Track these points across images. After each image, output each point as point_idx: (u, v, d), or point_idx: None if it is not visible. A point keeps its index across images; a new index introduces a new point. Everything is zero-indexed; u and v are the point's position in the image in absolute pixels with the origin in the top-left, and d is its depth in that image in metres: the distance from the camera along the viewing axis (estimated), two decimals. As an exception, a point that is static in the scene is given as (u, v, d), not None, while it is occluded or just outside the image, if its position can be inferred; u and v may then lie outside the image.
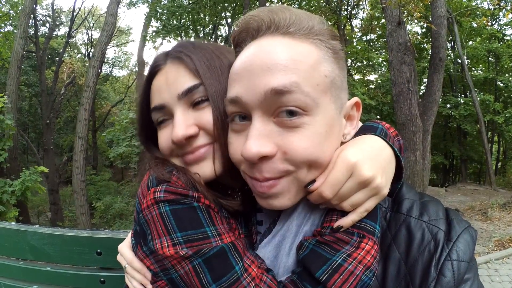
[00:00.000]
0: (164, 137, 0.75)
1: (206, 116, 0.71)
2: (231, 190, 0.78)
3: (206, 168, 0.71)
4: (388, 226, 0.67)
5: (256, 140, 0.59)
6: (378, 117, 17.13)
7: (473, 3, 14.74)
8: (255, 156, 0.58)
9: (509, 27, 17.41)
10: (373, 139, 0.65)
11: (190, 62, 0.73)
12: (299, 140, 0.58)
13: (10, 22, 14.64)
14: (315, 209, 0.67)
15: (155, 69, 0.77)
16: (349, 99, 0.69)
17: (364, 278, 0.59)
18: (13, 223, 1.54)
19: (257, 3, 15.41)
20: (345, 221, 0.62)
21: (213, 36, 20.70)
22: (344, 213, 0.63)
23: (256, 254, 0.70)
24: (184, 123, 0.71)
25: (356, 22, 19.86)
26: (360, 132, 0.69)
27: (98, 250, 1.40)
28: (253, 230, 0.77)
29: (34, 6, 12.32)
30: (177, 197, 0.66)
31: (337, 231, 0.61)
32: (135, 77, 22.79)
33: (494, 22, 17.39)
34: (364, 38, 19.75)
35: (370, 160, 0.61)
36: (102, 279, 1.42)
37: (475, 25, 16.16)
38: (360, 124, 0.73)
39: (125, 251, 0.81)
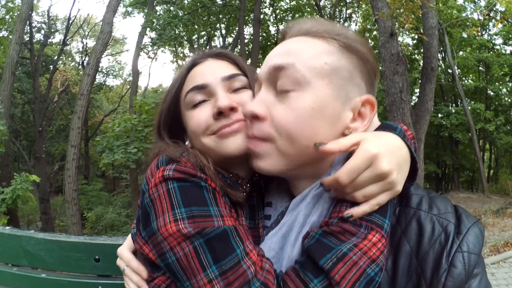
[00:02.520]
0: (204, 114, 0.78)
1: (245, 97, 0.79)
2: (240, 180, 0.80)
3: (240, 141, 0.75)
4: (397, 221, 0.67)
5: (255, 103, 0.70)
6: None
7: (463, 14, 15.06)
8: (248, 113, 0.70)
9: (498, 37, 17.78)
10: (393, 137, 0.66)
11: (232, 57, 0.85)
12: (283, 110, 0.67)
13: (6, 27, 14.55)
14: (323, 200, 0.67)
15: (196, 61, 0.84)
16: None
17: (369, 271, 0.59)
18: (8, 227, 1.50)
19: (251, 15, 15.66)
20: (356, 211, 0.62)
21: (207, 47, 20.84)
22: (354, 205, 0.63)
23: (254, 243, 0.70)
24: (228, 97, 0.78)
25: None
26: (380, 129, 0.70)
27: (96, 257, 1.36)
28: (259, 224, 0.79)
29: (30, 12, 12.31)
30: (185, 176, 0.68)
31: (347, 220, 0.62)
32: (128, 86, 22.69)
33: (484, 32, 17.76)
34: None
35: (390, 155, 0.62)
36: (100, 287, 1.37)
37: (465, 35, 16.49)
38: (377, 123, 0.73)
39: (124, 253, 0.81)
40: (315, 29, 0.70)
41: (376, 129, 0.71)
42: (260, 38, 16.82)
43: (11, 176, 7.11)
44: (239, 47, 15.90)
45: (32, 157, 16.23)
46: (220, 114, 0.76)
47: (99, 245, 1.38)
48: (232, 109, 0.76)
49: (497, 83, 18.13)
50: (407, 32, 14.04)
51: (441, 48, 16.10)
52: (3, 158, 7.82)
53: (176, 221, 0.64)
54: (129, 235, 0.84)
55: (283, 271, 0.65)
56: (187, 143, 0.86)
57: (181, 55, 20.22)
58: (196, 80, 0.80)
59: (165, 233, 0.64)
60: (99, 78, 22.59)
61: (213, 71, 0.80)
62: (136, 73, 15.25)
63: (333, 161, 0.69)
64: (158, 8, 16.89)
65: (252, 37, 15.87)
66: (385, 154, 0.61)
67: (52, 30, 19.62)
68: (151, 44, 13.76)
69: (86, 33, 22.57)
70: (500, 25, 12.88)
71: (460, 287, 0.59)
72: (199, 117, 0.78)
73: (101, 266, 1.37)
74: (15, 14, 12.74)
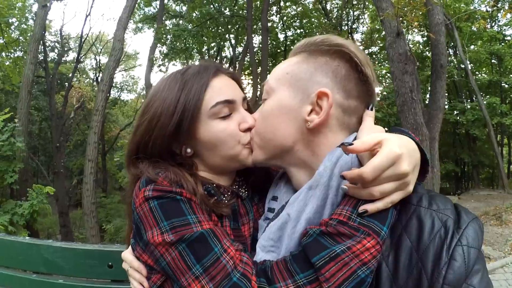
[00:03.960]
0: (234, 126, 0.88)
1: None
2: (222, 189, 0.91)
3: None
4: (398, 217, 0.69)
5: (249, 120, 0.90)
6: (386, 129, 17.03)
7: (471, 7, 14.80)
8: (242, 129, 0.88)
9: (508, 27, 17.36)
10: (409, 139, 0.70)
11: (239, 79, 0.97)
12: (258, 114, 0.86)
13: (20, 48, 15.07)
14: (314, 198, 0.72)
15: (216, 73, 0.90)
16: None
17: (359, 272, 0.62)
18: (27, 237, 1.59)
19: (259, 23, 15.79)
20: (371, 207, 0.65)
21: (218, 58, 21.05)
22: (353, 207, 0.66)
23: (233, 240, 0.79)
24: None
25: (357, 36, 20.05)
26: (394, 131, 0.74)
27: (110, 263, 1.43)
28: (247, 224, 0.91)
29: (43, 32, 12.72)
30: (162, 193, 0.77)
31: (362, 215, 0.65)
32: (142, 100, 23.12)
33: (493, 24, 17.40)
34: (366, 52, 19.92)
35: (409, 156, 0.66)
36: (113, 291, 1.44)
37: (474, 29, 16.17)
38: (372, 126, 0.77)
39: (127, 256, 0.90)
40: (297, 48, 0.84)
41: (391, 131, 0.74)
42: (269, 46, 16.93)
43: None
44: (248, 56, 16.05)
45: (51, 172, 16.65)
46: (247, 130, 0.89)
47: (112, 252, 1.45)
48: (251, 128, 0.90)
49: (511, 75, 17.64)
50: (415, 30, 13.90)
51: (452, 44, 15.87)
52: (22, 174, 8.05)
53: (162, 233, 0.74)
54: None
55: (281, 257, 0.72)
56: (188, 150, 0.90)
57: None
58: (222, 93, 0.87)
59: (155, 243, 0.75)
60: (113, 93, 23.18)
61: (234, 89, 0.92)
62: (149, 87, 15.49)
63: (322, 155, 0.75)
64: (167, 22, 17.24)
65: (261, 46, 15.99)
66: (406, 155, 0.65)
67: (66, 49, 20.21)
68: (161, 57, 14.04)
69: (99, 50, 23.13)
70: (508, 15, 12.59)
71: (461, 280, 0.60)
72: (231, 128, 0.87)
73: (114, 272, 1.44)
74: (29, 35, 13.18)
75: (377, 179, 0.64)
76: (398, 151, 0.64)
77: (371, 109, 0.79)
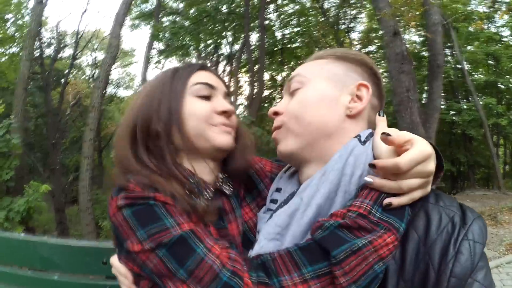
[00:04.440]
0: (208, 106, 0.92)
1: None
2: (205, 185, 0.90)
3: (230, 139, 0.94)
4: None
5: (277, 105, 0.91)
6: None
7: (468, 8, 14.83)
8: (271, 111, 0.90)
9: (505, 29, 17.41)
10: (428, 144, 0.71)
11: (224, 81, 1.02)
12: (293, 101, 0.86)
13: (16, 44, 14.96)
14: (325, 183, 0.73)
15: (204, 68, 0.98)
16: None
17: (376, 267, 0.62)
18: (22, 234, 1.59)
19: (256, 21, 15.77)
20: (396, 200, 0.66)
21: (215, 55, 21.00)
22: (374, 201, 0.67)
23: (217, 239, 0.77)
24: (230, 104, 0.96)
25: (354, 35, 20.05)
26: None
27: (104, 260, 1.43)
28: (234, 221, 0.92)
29: (39, 28, 12.62)
30: (135, 201, 0.75)
31: (387, 207, 0.66)
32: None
33: (490, 25, 17.46)
34: (363, 51, 19.91)
35: (434, 158, 0.69)
36: (107, 288, 1.45)
37: (471, 29, 16.23)
38: (384, 125, 0.80)
39: (115, 262, 0.88)
40: (319, 54, 0.93)
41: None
42: (266, 44, 16.88)
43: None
44: (245, 53, 16.03)
45: (47, 169, 16.56)
46: (222, 114, 0.92)
47: (106, 249, 1.45)
48: (231, 115, 0.94)
49: (507, 76, 17.74)
50: (412, 30, 13.92)
51: (449, 44, 15.91)
52: (18, 170, 8.01)
53: (140, 242, 0.71)
54: None
55: (285, 247, 0.69)
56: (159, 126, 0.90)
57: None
58: (205, 78, 0.94)
59: (136, 252, 0.72)
60: (110, 90, 23.00)
61: (217, 80, 0.97)
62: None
63: (335, 152, 0.78)
64: (164, 19, 17.17)
65: (258, 44, 15.98)
66: (433, 155, 0.69)
67: (62, 45, 20.04)
68: (158, 54, 14.01)
69: (95, 46, 23.03)
70: (506, 17, 12.63)
71: (467, 274, 0.61)
72: (205, 106, 0.91)
73: (108, 269, 1.42)
74: (25, 31, 13.08)
75: (408, 173, 0.66)
76: (429, 150, 0.68)
77: (383, 115, 0.83)
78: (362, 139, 0.77)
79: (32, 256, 1.51)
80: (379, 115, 0.83)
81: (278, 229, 0.75)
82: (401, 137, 0.68)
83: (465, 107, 17.09)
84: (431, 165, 0.67)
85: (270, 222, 0.78)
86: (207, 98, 0.92)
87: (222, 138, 0.90)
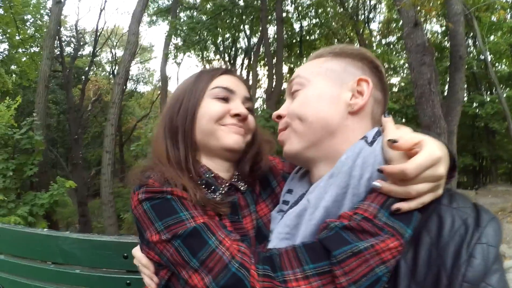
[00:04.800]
0: (222, 107, 0.96)
1: (251, 116, 1.02)
2: (220, 180, 0.96)
3: (240, 140, 0.97)
4: None
5: (280, 108, 0.91)
6: (403, 120, 16.80)
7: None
8: (275, 115, 0.92)
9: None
10: (442, 144, 0.71)
11: (248, 84, 1.08)
12: (294, 102, 0.87)
13: (36, 43, 15.34)
14: (333, 186, 0.73)
15: (227, 72, 1.03)
16: None
17: (377, 270, 0.62)
18: (45, 229, 1.64)
19: (274, 14, 15.65)
20: (405, 205, 0.65)
21: (233, 49, 20.99)
22: (381, 205, 0.66)
23: (230, 232, 0.81)
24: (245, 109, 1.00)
25: (374, 26, 19.64)
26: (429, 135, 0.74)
27: (125, 254, 1.47)
28: (249, 216, 0.95)
29: (59, 27, 12.91)
30: (154, 195, 0.82)
31: (395, 213, 0.65)
32: (159, 92, 23.33)
33: (513, 15, 16.73)
34: (383, 42, 19.50)
35: (445, 161, 0.68)
36: (128, 281, 1.48)
37: (494, 19, 15.62)
38: (391, 126, 0.78)
39: (137, 253, 0.95)
40: (318, 53, 0.92)
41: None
42: (285, 36, 16.76)
43: (49, 183, 7.52)
44: (263, 47, 15.94)
45: (69, 163, 17.05)
46: (235, 116, 0.96)
47: (127, 243, 1.48)
48: (245, 119, 0.98)
49: (531, 67, 17.08)
50: (433, 20, 13.53)
51: (471, 34, 15.39)
52: (41, 166, 8.26)
53: (158, 233, 0.78)
54: None
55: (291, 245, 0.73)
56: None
57: (207, 58, 20.54)
58: (225, 82, 0.99)
59: (154, 242, 0.79)
60: (130, 85, 23.41)
61: (239, 85, 1.01)
62: (164, 78, 15.61)
63: (341, 150, 0.78)
64: (181, 14, 17.26)
65: (276, 36, 15.87)
66: (444, 159, 0.67)
67: (81, 43, 20.51)
68: (175, 50, 14.09)
69: (114, 43, 23.39)
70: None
71: (480, 279, 0.60)
72: (218, 106, 0.95)
73: (129, 263, 1.46)
74: (44, 30, 13.40)
75: (416, 178, 0.64)
76: (439, 153, 0.65)
77: (388, 115, 0.81)
78: (369, 139, 0.76)
79: (54, 250, 1.57)
80: (385, 116, 0.81)
81: (287, 229, 0.77)
82: (408, 141, 0.66)
83: (488, 99, 16.50)
84: (440, 169, 0.65)
85: (281, 223, 0.81)
86: (224, 100, 0.97)
87: (231, 138, 0.95)
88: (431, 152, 0.65)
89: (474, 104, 16.72)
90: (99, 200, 12.80)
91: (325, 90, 0.83)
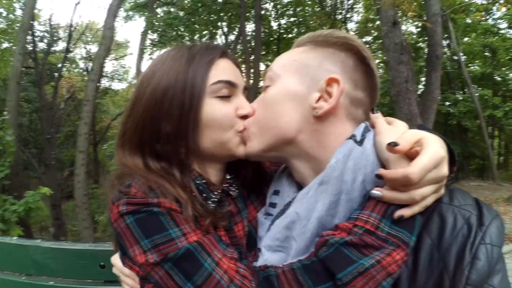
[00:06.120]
0: (231, 109, 0.81)
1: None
2: (212, 187, 0.82)
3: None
4: None
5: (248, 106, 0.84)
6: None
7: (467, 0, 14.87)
8: (239, 115, 0.82)
9: (503, 21, 17.43)
10: (441, 141, 0.66)
11: (240, 67, 0.90)
12: (259, 101, 0.81)
13: (8, 38, 14.70)
14: (324, 194, 0.67)
15: (223, 55, 0.84)
16: None
17: (384, 283, 0.59)
18: (15, 237, 1.53)
19: (252, 11, 15.63)
20: (408, 212, 0.60)
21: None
22: (382, 214, 0.61)
23: (226, 247, 0.73)
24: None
25: (351, 26, 19.94)
26: (421, 129, 0.68)
27: (102, 263, 1.37)
28: (241, 223, 0.85)
29: (32, 22, 12.41)
30: (137, 207, 0.69)
31: (398, 221, 0.60)
32: (134, 89, 22.90)
33: (488, 17, 17.46)
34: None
35: (447, 159, 0.63)
36: (106, 293, 1.39)
37: (469, 21, 16.23)
38: (383, 124, 0.72)
39: (116, 261, 0.85)
40: (301, 40, 0.82)
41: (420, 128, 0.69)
42: (262, 34, 16.72)
43: (21, 185, 7.19)
44: (241, 44, 15.91)
45: (42, 164, 16.45)
46: (244, 117, 0.82)
47: (103, 251, 1.39)
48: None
49: (503, 68, 17.82)
50: (410, 20, 13.87)
51: (446, 35, 15.90)
52: (13, 168, 7.92)
53: (144, 252, 0.67)
54: None
55: (287, 263, 0.66)
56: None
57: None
58: (226, 74, 0.81)
59: (139, 262, 0.68)
60: (104, 82, 22.75)
61: (237, 74, 0.85)
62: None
63: (329, 145, 0.71)
64: (158, 10, 16.94)
65: (254, 34, 15.83)
66: (446, 157, 0.62)
67: (55, 38, 19.76)
68: (151, 46, 13.83)
69: (89, 39, 22.73)
70: (504, 9, 12.63)
71: (483, 280, 0.58)
72: (227, 110, 0.79)
73: (107, 272, 1.38)
74: (17, 25, 12.86)
75: (420, 181, 0.59)
76: (442, 153, 0.61)
77: (376, 111, 0.76)
78: (358, 138, 0.69)
79: (25, 261, 1.45)
80: (373, 112, 0.75)
81: (277, 242, 0.71)
82: (409, 141, 0.61)
83: (461, 98, 17.19)
84: (444, 169, 0.61)
85: (269, 235, 0.74)
86: (227, 98, 0.81)
87: (247, 147, 0.81)
88: (435, 152, 0.59)
89: (447, 103, 17.31)
90: (73, 202, 12.43)
91: (292, 89, 0.74)
